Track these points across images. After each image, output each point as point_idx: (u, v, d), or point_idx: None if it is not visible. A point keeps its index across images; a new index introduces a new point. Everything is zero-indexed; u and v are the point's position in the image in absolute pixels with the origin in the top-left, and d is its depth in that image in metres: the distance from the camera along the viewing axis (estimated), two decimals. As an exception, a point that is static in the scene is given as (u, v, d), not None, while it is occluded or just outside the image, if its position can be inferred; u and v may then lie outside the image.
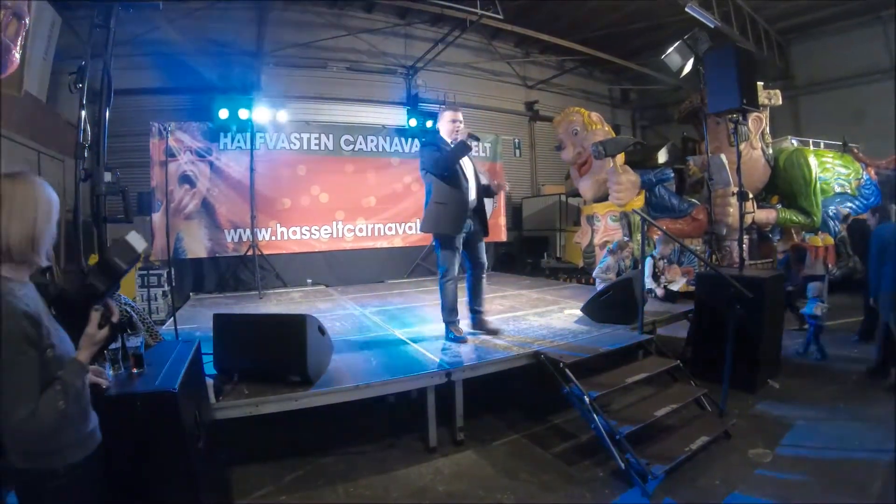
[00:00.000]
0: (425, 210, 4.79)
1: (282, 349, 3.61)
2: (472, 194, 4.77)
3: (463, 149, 4.56)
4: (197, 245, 8.49)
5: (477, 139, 4.69)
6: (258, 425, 3.65)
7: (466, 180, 4.71)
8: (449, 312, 4.86)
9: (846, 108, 11.93)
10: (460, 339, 4.70)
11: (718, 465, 3.55)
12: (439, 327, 5.14)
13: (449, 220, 4.65)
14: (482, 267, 5.05)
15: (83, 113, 3.70)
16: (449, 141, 4.76)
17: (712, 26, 9.55)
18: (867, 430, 3.96)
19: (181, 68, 9.49)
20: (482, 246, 5.01)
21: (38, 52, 7.11)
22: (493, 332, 4.95)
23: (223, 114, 8.40)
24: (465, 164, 4.75)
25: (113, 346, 2.54)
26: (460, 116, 4.86)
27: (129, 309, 3.18)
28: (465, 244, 4.81)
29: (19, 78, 6.34)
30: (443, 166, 4.61)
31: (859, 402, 4.54)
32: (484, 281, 5.16)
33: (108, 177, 2.98)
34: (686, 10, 9.25)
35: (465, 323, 5.05)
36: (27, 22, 5.54)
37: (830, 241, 8.50)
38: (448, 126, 4.80)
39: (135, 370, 2.59)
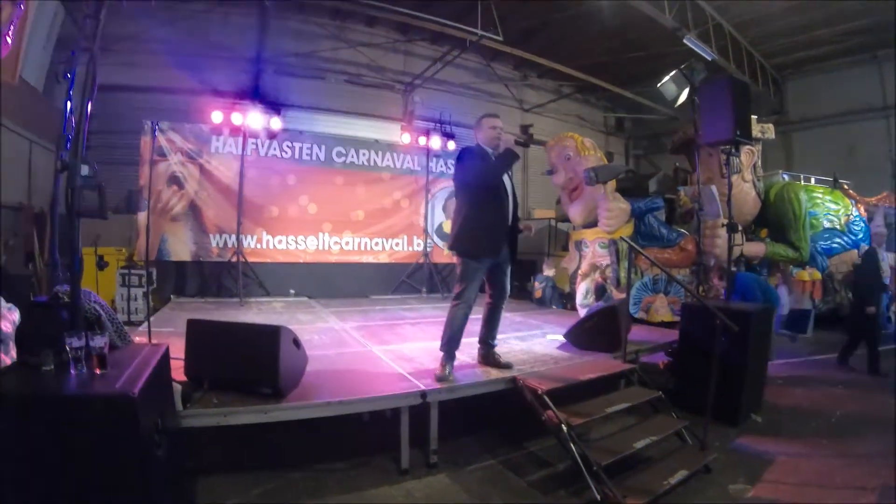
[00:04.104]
0: (456, 227, 4.28)
1: (254, 360, 3.51)
2: (510, 213, 4.30)
3: (512, 156, 4.14)
4: (181, 247, 8.39)
5: (525, 145, 4.16)
6: (228, 435, 3.54)
7: (506, 196, 4.24)
8: (449, 341, 4.25)
9: (838, 145, 12.08)
10: (441, 379, 4.07)
11: (697, 499, 3.46)
12: (419, 346, 5.03)
13: (486, 240, 4.17)
14: (504, 296, 4.51)
15: (69, 104, 3.61)
16: (490, 151, 4.28)
17: (709, 59, 9.65)
18: (850, 468, 3.89)
19: (179, 68, 9.41)
20: (509, 272, 4.49)
21: (38, 40, 7.00)
22: (506, 367, 4.43)
23: (217, 117, 8.35)
24: (504, 178, 4.27)
25: (76, 344, 2.45)
26: (501, 123, 4.37)
27: (97, 307, 3.06)
28: (491, 268, 4.35)
29: (14, 64, 6.23)
30: (492, 175, 4.16)
31: (842, 439, 4.48)
32: (502, 311, 4.63)
33: (85, 170, 2.86)
34: (684, 41, 9.34)
35: (471, 354, 4.69)
36: (24, 8, 5.45)
37: (818, 276, 8.52)
38: (489, 133, 4.30)
39: (97, 371, 2.50)
